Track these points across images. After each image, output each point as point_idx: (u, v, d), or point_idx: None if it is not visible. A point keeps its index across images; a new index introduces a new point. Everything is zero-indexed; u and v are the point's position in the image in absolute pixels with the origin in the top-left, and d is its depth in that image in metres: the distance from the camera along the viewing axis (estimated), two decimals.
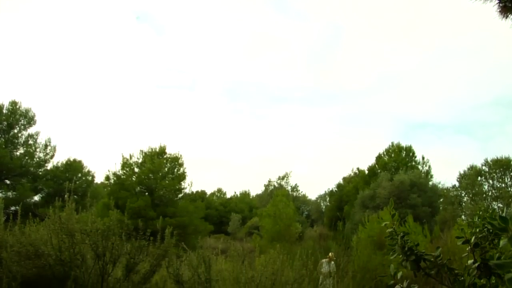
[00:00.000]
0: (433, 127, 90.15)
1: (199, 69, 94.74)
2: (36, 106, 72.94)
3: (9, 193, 32.04)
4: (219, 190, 68.65)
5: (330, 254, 12.62)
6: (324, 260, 12.05)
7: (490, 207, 33.26)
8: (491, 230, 2.35)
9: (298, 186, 62.12)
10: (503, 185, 36.53)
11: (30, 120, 35.47)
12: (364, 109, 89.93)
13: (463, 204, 36.58)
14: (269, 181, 60.78)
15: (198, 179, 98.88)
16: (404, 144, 42.07)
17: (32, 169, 34.00)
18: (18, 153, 34.42)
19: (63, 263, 3.63)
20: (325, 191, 59.26)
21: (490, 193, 36.91)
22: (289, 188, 58.28)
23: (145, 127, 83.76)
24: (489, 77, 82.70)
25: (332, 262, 12.08)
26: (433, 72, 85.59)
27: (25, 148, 34.80)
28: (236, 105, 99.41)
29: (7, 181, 32.79)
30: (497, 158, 37.08)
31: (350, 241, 17.82)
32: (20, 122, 35.03)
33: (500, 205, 34.32)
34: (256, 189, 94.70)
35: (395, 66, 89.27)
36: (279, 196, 28.82)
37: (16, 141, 34.88)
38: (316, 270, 10.89)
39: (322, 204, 60.78)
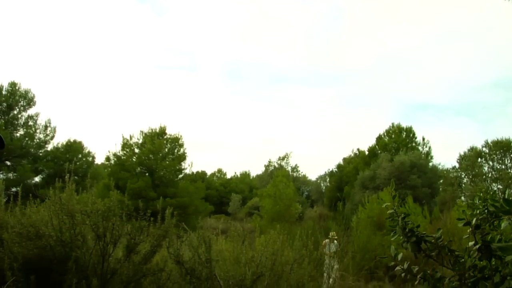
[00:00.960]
0: (433, 108, 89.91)
1: (199, 50, 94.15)
2: (36, 87, 72.70)
3: (10, 175, 32.11)
4: (219, 171, 68.84)
5: (331, 233, 12.56)
6: (327, 240, 12.04)
7: (490, 188, 33.35)
8: (492, 212, 2.33)
9: (298, 167, 62.24)
10: (503, 166, 36.61)
11: (29, 101, 35.35)
12: (364, 90, 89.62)
13: (463, 185, 36.70)
14: (269, 162, 60.88)
15: (198, 159, 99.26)
16: (404, 125, 42.07)
17: (32, 150, 34.01)
18: (18, 135, 34.35)
19: (63, 244, 3.65)
20: (325, 172, 59.44)
21: (490, 175, 37.00)
22: (289, 168, 58.36)
23: (145, 107, 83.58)
24: (491, 58, 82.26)
25: (335, 241, 12.03)
26: (434, 53, 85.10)
27: (25, 130, 34.74)
28: (236, 86, 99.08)
29: (8, 163, 32.82)
30: (498, 139, 37.09)
31: (350, 221, 17.90)
32: (19, 103, 34.90)
33: (500, 186, 34.40)
34: (256, 170, 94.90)
35: (396, 47, 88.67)
36: (279, 177, 28.89)
37: (16, 122, 34.80)
38: (320, 251, 10.83)
39: (322, 184, 60.96)
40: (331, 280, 11.49)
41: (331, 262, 11.43)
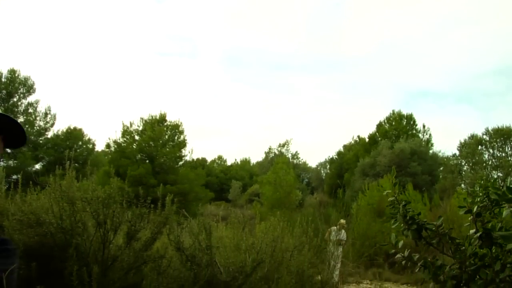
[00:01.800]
0: (434, 96, 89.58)
1: (200, 36, 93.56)
2: (35, 74, 72.44)
3: (10, 162, 32.14)
4: (220, 158, 68.88)
5: (341, 220, 12.28)
6: (333, 227, 11.88)
7: (490, 176, 33.37)
8: (493, 200, 2.32)
9: (298, 154, 62.27)
10: (504, 154, 36.59)
11: (29, 89, 35.25)
12: (365, 77, 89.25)
13: (463, 173, 36.71)
14: (270, 149, 60.90)
15: (199, 146, 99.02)
16: (405, 112, 42.01)
17: (32, 137, 33.97)
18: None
19: (64, 231, 3.65)
20: (326, 159, 59.46)
21: (490, 162, 36.98)
22: (289, 155, 58.40)
23: (145, 94, 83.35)
24: (492, 45, 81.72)
25: (343, 230, 11.79)
26: (435, 40, 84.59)
27: (25, 117, 34.63)
28: (236, 73, 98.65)
29: (8, 150, 32.81)
30: (498, 127, 37.02)
31: (350, 208, 17.93)
32: (19, 91, 34.79)
33: (500, 174, 34.42)
34: (256, 157, 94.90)
35: (397, 33, 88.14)
36: (279, 164, 28.93)
37: (16, 109, 34.71)
38: (325, 238, 10.73)
39: (322, 171, 60.98)
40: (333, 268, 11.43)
41: (336, 249, 11.34)
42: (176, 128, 32.58)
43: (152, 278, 4.26)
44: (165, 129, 32.21)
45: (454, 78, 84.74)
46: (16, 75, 34.77)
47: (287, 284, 5.75)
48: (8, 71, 34.52)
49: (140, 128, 31.91)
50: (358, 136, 48.21)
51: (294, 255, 6.34)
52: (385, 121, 42.34)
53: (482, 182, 2.48)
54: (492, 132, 37.20)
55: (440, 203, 19.43)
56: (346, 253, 10.67)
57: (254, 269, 5.31)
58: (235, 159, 70.25)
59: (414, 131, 40.65)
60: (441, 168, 38.05)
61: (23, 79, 35.00)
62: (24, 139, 1.63)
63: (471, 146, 37.23)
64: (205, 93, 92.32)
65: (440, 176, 36.88)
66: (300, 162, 62.24)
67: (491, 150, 37.32)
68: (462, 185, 33.09)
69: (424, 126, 41.27)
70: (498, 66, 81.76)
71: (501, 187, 2.25)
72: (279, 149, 59.93)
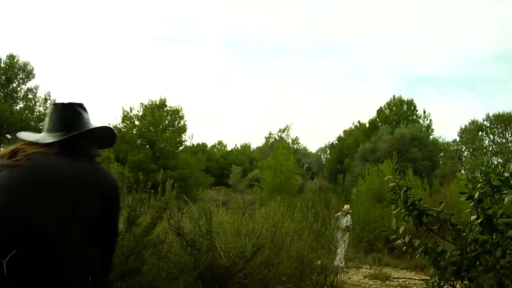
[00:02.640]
0: (435, 81, 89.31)
1: (199, 21, 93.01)
2: (34, 60, 72.07)
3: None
4: (220, 143, 68.90)
5: (345, 206, 12.27)
6: (339, 213, 11.69)
7: (490, 162, 33.39)
8: (494, 186, 2.31)
9: (298, 139, 62.23)
10: (504, 140, 36.55)
11: (28, 74, 35.02)
12: (366, 62, 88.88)
13: (463, 158, 36.70)
14: (270, 134, 60.84)
15: (199, 131, 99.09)
16: (405, 97, 41.89)
17: (32, 123, 33.78)
18: (18, 108, 34.15)
19: None
20: (326, 144, 59.42)
21: (490, 148, 36.97)
22: (289, 140, 58.35)
23: (145, 79, 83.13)
24: (494, 31, 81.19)
25: (348, 215, 11.83)
26: (436, 25, 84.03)
27: (24, 102, 34.50)
28: (237, 57, 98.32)
29: (8, 136, 32.79)
30: (499, 113, 36.93)
31: (350, 193, 17.96)
32: (18, 76, 34.57)
33: (500, 160, 34.42)
34: (256, 142, 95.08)
35: (398, 18, 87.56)
36: (279, 149, 28.92)
37: (16, 95, 34.58)
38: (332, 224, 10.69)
39: (322, 156, 60.98)
40: (338, 255, 11.42)
41: (343, 236, 11.31)
42: (176, 113, 32.55)
43: (153, 263, 4.27)
44: (165, 114, 32.18)
45: (455, 64, 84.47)
46: (15, 60, 34.51)
47: (287, 269, 5.78)
48: (7, 56, 34.30)
49: (140, 113, 31.89)
50: (359, 121, 48.13)
51: (294, 240, 6.36)
52: (386, 106, 42.25)
53: (483, 168, 2.47)
54: (492, 118, 37.12)
55: (440, 188, 19.46)
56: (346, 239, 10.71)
57: (254, 254, 5.32)
58: (235, 144, 70.30)
59: (414, 117, 40.57)
60: (441, 154, 38.04)
61: (22, 65, 34.76)
62: (113, 143, 2.32)
63: (471, 132, 37.19)
64: (205, 78, 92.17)
65: (440, 162, 36.89)
66: (300, 147, 62.24)
67: (491, 136, 37.30)
68: (462, 171, 33.11)
69: (424, 112, 41.20)
70: (499, 52, 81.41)
71: (501, 173, 2.23)
72: (279, 134, 59.91)
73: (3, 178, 1.73)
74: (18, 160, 1.84)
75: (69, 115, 2.14)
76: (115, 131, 2.29)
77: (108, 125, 2.31)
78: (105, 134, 2.26)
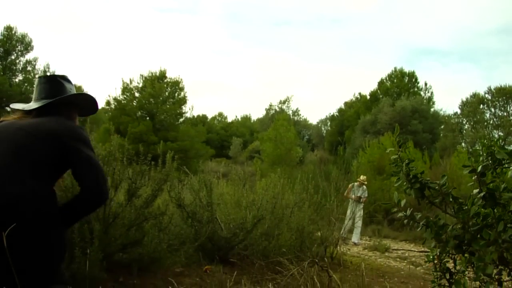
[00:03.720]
0: (437, 54, 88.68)
1: None
2: (32, 32, 71.24)
3: None
4: (220, 114, 68.75)
5: (361, 177, 12.09)
6: (355, 183, 11.72)
7: (491, 135, 33.37)
8: (496, 159, 2.28)
9: (299, 110, 62.19)
10: (505, 113, 36.41)
11: (27, 46, 34.59)
12: (367, 33, 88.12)
13: (464, 131, 36.66)
14: (270, 105, 60.76)
15: (199, 103, 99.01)
16: (407, 69, 41.63)
17: (32, 95, 33.61)
18: (17, 80, 33.89)
19: (65, 189, 3.64)
20: (326, 116, 59.44)
21: (491, 121, 36.86)
22: (290, 112, 58.30)
23: (145, 51, 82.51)
24: (497, 3, 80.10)
25: (364, 187, 11.68)
26: None
27: (23, 75, 34.17)
28: (237, 29, 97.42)
29: (8, 108, 32.61)
30: (501, 86, 36.67)
31: (350, 166, 17.97)
32: (17, 48, 34.17)
33: (500, 133, 34.37)
34: (257, 113, 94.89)
35: None
36: (280, 120, 28.87)
37: (14, 67, 34.24)
38: (344, 195, 10.66)
39: (323, 128, 60.99)
40: (356, 227, 11.43)
41: (356, 207, 11.31)
42: (176, 85, 32.38)
43: (153, 235, 4.28)
44: (165, 86, 32.01)
45: (458, 36, 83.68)
46: (13, 32, 34.04)
47: (287, 240, 5.82)
48: (4, 28, 33.83)
49: (140, 85, 31.71)
50: (359, 93, 47.96)
51: (294, 212, 6.38)
52: (387, 78, 42.02)
53: (485, 141, 2.44)
54: (494, 91, 36.89)
55: (440, 161, 19.49)
56: (346, 210, 10.73)
57: (255, 226, 5.35)
58: (236, 116, 70.25)
59: (415, 89, 40.39)
60: (442, 127, 38.01)
61: (20, 37, 34.31)
62: (95, 109, 2.59)
63: (472, 105, 37.03)
64: (205, 50, 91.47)
65: (441, 135, 36.88)
66: (301, 119, 62.20)
67: (492, 109, 37.14)
68: (463, 144, 33.14)
69: (426, 84, 41.03)
70: (502, 25, 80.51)
71: (503, 147, 2.21)
72: (279, 105, 59.83)
73: None
74: None
75: (52, 85, 2.44)
76: (95, 98, 2.53)
77: (88, 93, 2.63)
78: (86, 101, 2.53)
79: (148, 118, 30.92)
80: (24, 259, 1.89)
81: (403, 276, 6.34)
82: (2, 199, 1.89)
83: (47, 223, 1.98)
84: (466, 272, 2.56)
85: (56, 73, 2.55)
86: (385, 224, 14.59)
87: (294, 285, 3.80)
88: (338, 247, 6.98)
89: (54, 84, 2.45)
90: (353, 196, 11.33)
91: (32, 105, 2.39)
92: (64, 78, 2.50)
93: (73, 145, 2.17)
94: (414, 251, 10.41)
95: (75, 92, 2.51)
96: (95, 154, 2.32)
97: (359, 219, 11.38)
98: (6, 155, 2.05)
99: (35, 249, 1.93)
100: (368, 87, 79.92)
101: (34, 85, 2.52)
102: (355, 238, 11.29)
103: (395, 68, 42.23)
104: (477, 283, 2.29)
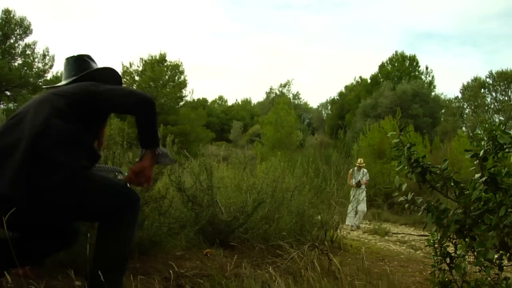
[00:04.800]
0: (438, 37, 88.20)
1: None
2: (31, 15, 70.65)
3: (10, 105, 31.87)
4: (221, 98, 68.68)
5: (359, 160, 12.04)
6: (354, 168, 11.63)
7: (492, 119, 33.31)
8: (498, 144, 2.27)
9: (299, 94, 62.13)
10: (506, 98, 36.30)
11: (26, 30, 34.15)
12: (369, 17, 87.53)
13: (465, 116, 36.59)
14: (271, 89, 60.66)
15: (199, 86, 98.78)
16: (408, 53, 41.46)
17: (31, 79, 33.22)
18: (16, 64, 33.57)
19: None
20: (327, 99, 59.26)
21: (492, 106, 36.76)
22: (290, 95, 58.20)
23: (145, 34, 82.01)
24: None
25: (364, 169, 11.63)
26: None
27: (23, 59, 33.78)
28: (238, 12, 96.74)
29: (7, 93, 32.45)
30: (502, 70, 36.52)
31: (350, 149, 17.98)
32: (15, 32, 33.75)
33: (501, 118, 34.30)
34: (257, 97, 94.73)
35: None
36: (280, 104, 28.84)
37: (13, 51, 33.87)
38: (348, 183, 10.64)
39: (323, 112, 60.91)
40: (357, 216, 11.40)
41: (357, 190, 11.22)
42: (176, 68, 32.26)
43: (154, 218, 4.28)
44: (165, 69, 31.91)
45: (460, 20, 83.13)
46: (12, 15, 33.62)
47: (287, 224, 5.81)
48: (2, 11, 33.38)
49: (140, 69, 31.62)
50: (360, 77, 47.89)
51: (295, 195, 6.37)
52: (388, 62, 41.88)
53: (486, 125, 2.42)
54: (495, 75, 36.74)
55: (440, 145, 19.49)
56: (346, 194, 10.73)
57: (255, 209, 5.35)
58: (236, 99, 70.18)
59: (416, 73, 40.30)
60: (443, 111, 37.95)
61: (18, 20, 33.86)
62: (120, 82, 2.90)
63: (473, 89, 36.90)
64: (206, 33, 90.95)
65: (442, 119, 36.84)
66: (301, 103, 62.14)
67: (493, 94, 37.02)
68: (463, 128, 33.10)
69: (427, 68, 40.91)
70: (504, 9, 79.90)
71: (504, 131, 2.19)
72: (280, 89, 59.72)
73: None
74: None
75: (79, 63, 2.75)
76: (119, 72, 2.87)
77: (112, 67, 2.86)
78: (109, 74, 2.80)
79: None
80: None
81: (403, 259, 6.35)
82: (31, 130, 2.08)
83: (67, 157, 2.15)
84: (467, 257, 2.56)
85: (81, 53, 2.86)
86: (385, 207, 14.66)
87: (294, 269, 3.80)
88: (338, 231, 6.99)
89: (81, 62, 2.76)
90: (353, 182, 11.30)
91: (63, 82, 2.71)
92: (89, 57, 2.82)
93: (93, 90, 2.41)
94: (414, 235, 10.46)
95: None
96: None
97: (363, 202, 11.37)
98: (38, 103, 2.29)
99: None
100: (369, 70, 79.80)
101: (63, 66, 2.83)
102: (357, 221, 11.32)
103: (396, 51, 42.14)
104: (477, 267, 2.29)
